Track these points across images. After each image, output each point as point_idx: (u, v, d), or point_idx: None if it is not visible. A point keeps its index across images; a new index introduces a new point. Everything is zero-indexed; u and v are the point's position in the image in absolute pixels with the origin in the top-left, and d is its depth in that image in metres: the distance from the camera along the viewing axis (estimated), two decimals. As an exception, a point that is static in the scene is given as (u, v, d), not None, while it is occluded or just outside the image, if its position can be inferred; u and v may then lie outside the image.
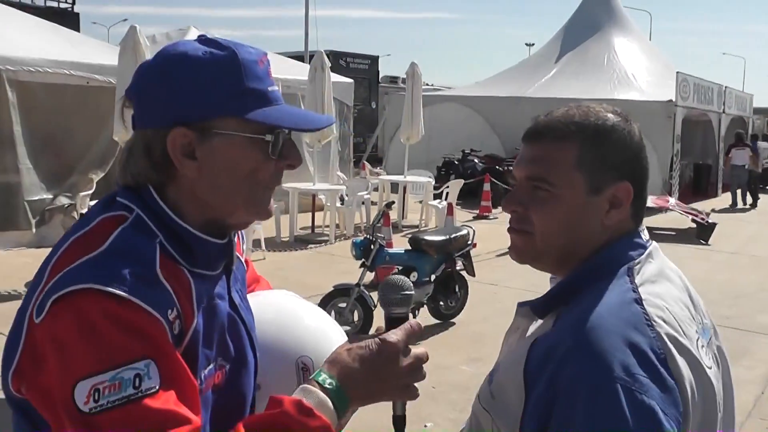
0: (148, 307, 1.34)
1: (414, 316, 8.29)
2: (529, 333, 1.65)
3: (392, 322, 1.58)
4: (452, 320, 8.79)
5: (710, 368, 1.53)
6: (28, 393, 1.39)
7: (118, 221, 1.46)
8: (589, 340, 1.42)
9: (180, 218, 1.51)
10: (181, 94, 1.48)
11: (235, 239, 1.71)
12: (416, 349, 1.55)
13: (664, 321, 1.47)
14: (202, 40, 1.54)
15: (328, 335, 1.80)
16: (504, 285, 10.24)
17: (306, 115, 1.63)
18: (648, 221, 12.70)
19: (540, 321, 1.65)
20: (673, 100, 20.84)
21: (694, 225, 16.11)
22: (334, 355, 1.50)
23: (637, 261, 1.58)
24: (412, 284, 1.67)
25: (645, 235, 1.67)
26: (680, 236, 15.90)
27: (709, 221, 15.81)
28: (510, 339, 1.72)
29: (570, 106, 1.68)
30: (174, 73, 1.49)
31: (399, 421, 1.63)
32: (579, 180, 1.59)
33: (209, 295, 1.55)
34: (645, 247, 1.63)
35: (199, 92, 1.47)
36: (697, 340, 1.53)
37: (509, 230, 1.68)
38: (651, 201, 15.77)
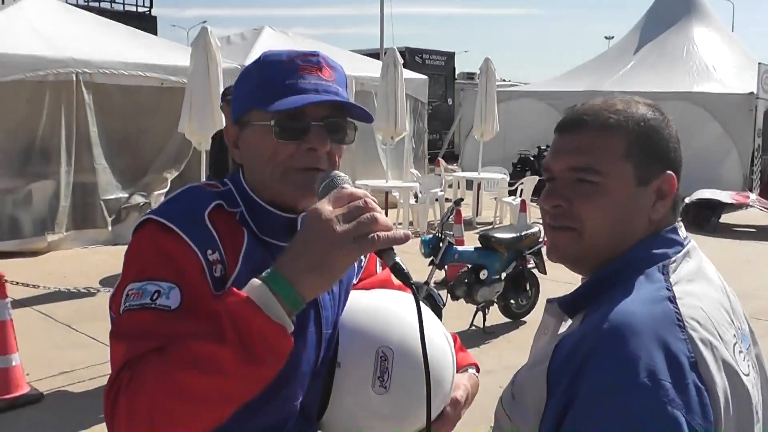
0: (186, 238, 1.60)
1: (484, 315, 8.25)
2: (559, 333, 1.57)
3: None
4: (523, 319, 8.67)
5: (747, 375, 1.42)
6: (114, 307, 1.65)
7: (202, 185, 1.80)
8: (614, 340, 1.33)
9: (254, 194, 1.77)
10: (233, 97, 1.82)
11: None
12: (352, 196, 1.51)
13: (699, 323, 1.37)
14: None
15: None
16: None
17: (317, 97, 1.68)
18: (727, 218, 12.39)
19: (570, 321, 1.56)
20: (755, 92, 20.24)
21: (775, 222, 15.61)
22: None
23: (673, 259, 1.49)
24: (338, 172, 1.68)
25: (682, 232, 1.57)
26: (760, 233, 15.38)
27: (792, 218, 15.27)
28: (540, 342, 1.64)
29: (606, 97, 1.60)
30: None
31: (396, 272, 1.54)
32: (628, 170, 1.51)
33: (266, 258, 1.69)
34: (682, 245, 1.53)
35: (237, 94, 1.80)
36: (735, 345, 1.43)
37: (548, 228, 1.59)
38: (730, 197, 15.37)
